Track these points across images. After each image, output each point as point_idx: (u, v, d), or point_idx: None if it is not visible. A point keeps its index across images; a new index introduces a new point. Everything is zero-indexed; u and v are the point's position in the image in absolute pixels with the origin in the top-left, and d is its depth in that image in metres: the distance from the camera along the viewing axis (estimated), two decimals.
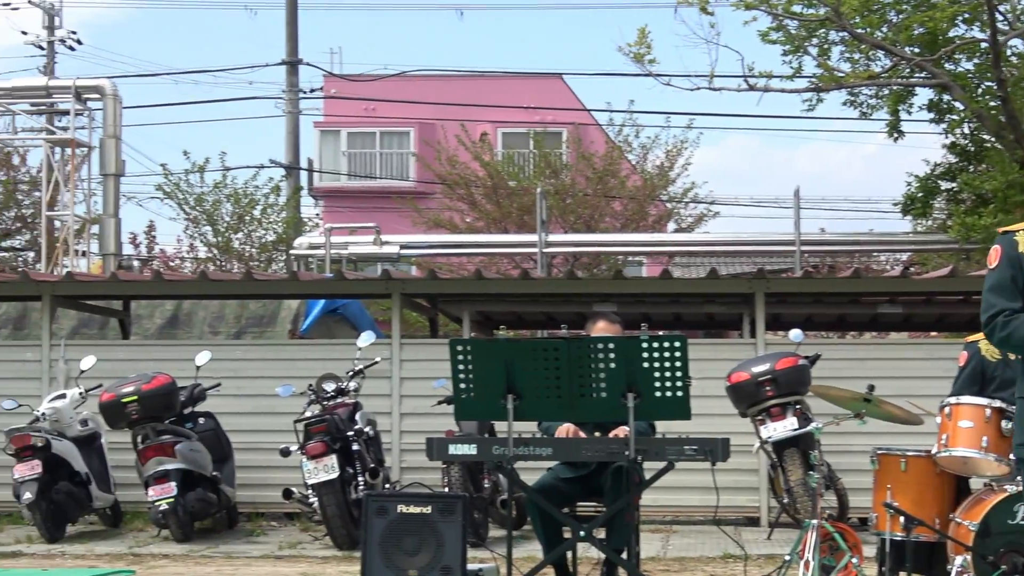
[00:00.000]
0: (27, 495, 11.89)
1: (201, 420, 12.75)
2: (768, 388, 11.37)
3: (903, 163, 73.37)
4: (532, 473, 8.43)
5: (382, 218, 27.61)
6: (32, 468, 11.92)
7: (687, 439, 7.52)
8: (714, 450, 7.56)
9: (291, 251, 25.28)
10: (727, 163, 62.65)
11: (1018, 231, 5.58)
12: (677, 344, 7.38)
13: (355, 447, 11.53)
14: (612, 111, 31.07)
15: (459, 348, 7.65)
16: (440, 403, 11.38)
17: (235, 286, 15.25)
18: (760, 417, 11.46)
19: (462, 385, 7.68)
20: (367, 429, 11.84)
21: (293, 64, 31.57)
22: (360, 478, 11.42)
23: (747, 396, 11.55)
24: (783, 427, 11.25)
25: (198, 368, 12.61)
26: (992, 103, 18.23)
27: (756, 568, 9.51)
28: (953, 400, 7.87)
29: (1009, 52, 18.77)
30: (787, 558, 8.39)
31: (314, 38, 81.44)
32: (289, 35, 31.61)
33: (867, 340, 21.06)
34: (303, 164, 33.53)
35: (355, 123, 36.73)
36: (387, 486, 11.96)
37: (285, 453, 11.42)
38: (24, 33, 32.55)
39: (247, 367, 13.61)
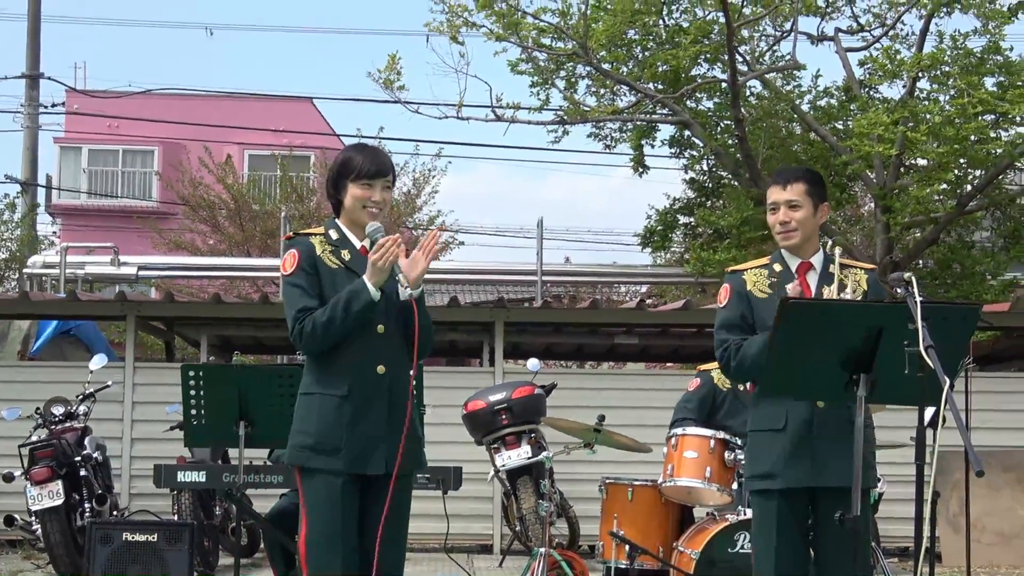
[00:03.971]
0: None
1: None
2: (504, 416, 11.43)
3: (647, 196, 74.98)
4: (268, 500, 8.33)
5: (122, 238, 27.01)
6: None
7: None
8: (446, 479, 7.65)
9: (24, 270, 24.51)
10: (475, 192, 63.17)
11: (746, 270, 5.77)
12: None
13: (82, 473, 11.21)
14: (362, 136, 30.91)
15: (191, 373, 7.58)
16: (172, 428, 11.17)
17: None
18: (496, 445, 11.52)
19: (193, 411, 7.60)
20: (96, 454, 11.52)
21: (34, 77, 30.72)
22: (87, 504, 11.11)
23: (483, 424, 11.59)
24: (517, 455, 11.29)
25: None
26: (730, 141, 18.72)
27: None
28: (679, 431, 8.05)
29: (748, 92, 19.32)
30: None
31: (57, 52, 79.49)
32: (31, 47, 30.76)
33: (604, 370, 21.41)
34: (41, 180, 32.59)
35: (97, 140, 35.94)
36: (115, 513, 11.67)
37: (8, 478, 11.06)
38: None
39: None
